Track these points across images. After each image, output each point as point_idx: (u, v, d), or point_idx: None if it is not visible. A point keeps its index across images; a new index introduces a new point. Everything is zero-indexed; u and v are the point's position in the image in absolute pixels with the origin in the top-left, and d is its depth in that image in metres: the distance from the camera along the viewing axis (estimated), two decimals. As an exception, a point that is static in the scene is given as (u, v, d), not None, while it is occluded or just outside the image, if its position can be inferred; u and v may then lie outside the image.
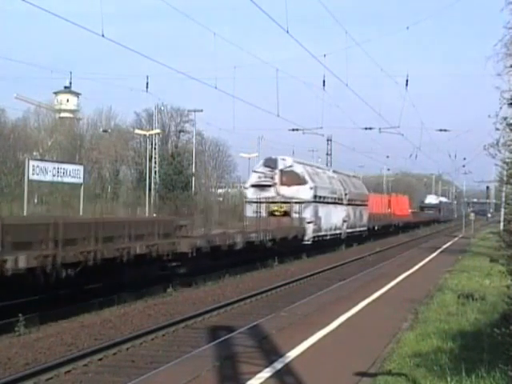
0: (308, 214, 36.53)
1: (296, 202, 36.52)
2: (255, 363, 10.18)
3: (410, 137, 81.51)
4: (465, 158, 72.43)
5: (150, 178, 55.56)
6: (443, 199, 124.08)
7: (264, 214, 34.85)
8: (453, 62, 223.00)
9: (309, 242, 36.24)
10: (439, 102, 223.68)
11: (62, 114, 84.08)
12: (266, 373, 9.59)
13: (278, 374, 9.55)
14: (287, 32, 22.26)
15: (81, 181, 23.54)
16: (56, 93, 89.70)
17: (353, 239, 46.37)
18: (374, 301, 17.74)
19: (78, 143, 70.36)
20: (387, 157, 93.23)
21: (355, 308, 16.15)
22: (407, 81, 38.00)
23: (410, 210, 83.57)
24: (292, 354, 10.91)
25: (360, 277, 24.96)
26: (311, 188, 37.20)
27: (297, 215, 36.19)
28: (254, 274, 27.19)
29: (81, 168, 24.23)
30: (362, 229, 49.78)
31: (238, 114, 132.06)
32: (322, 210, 38.62)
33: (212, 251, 24.57)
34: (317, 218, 37.48)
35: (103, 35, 18.66)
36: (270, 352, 11.09)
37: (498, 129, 7.47)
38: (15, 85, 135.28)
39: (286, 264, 31.42)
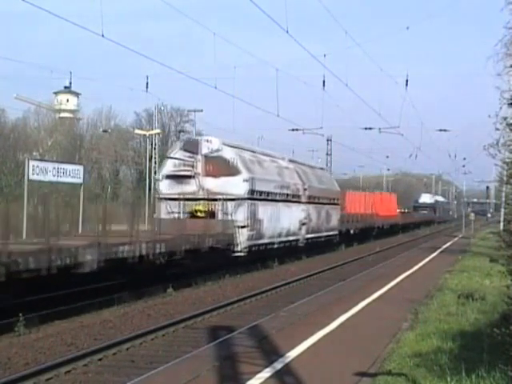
0: (241, 215, 27.31)
1: (225, 199, 27.50)
2: (255, 363, 10.18)
3: (410, 137, 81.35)
4: (465, 158, 72.73)
5: (149, 178, 55.56)
6: (439, 198, 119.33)
7: (184, 215, 27.34)
8: (453, 62, 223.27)
9: (242, 254, 27.09)
10: (439, 101, 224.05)
11: (62, 114, 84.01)
12: (266, 373, 9.59)
13: (277, 374, 9.55)
14: (287, 32, 22.32)
15: (81, 181, 23.49)
16: (56, 93, 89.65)
17: (317, 247, 37.67)
18: (374, 301, 17.74)
19: (78, 143, 70.40)
20: (387, 157, 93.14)
21: (355, 308, 16.15)
22: (407, 81, 38.24)
23: (398, 210, 75.42)
24: (292, 354, 10.91)
25: (360, 277, 24.97)
26: (246, 180, 27.83)
27: (226, 216, 27.30)
28: (253, 274, 27.19)
29: (81, 168, 24.17)
30: (330, 233, 40.23)
31: (237, 113, 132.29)
32: (265, 210, 29.31)
33: (19, 280, 14.77)
34: (255, 221, 28.22)
35: (103, 35, 18.68)
36: (269, 352, 11.09)
37: (497, 129, 7.49)
38: (15, 85, 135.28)
39: (286, 264, 31.40)
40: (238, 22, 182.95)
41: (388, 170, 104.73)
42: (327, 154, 72.54)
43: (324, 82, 35.83)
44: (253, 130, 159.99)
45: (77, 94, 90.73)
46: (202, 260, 23.99)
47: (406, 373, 9.24)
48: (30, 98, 74.58)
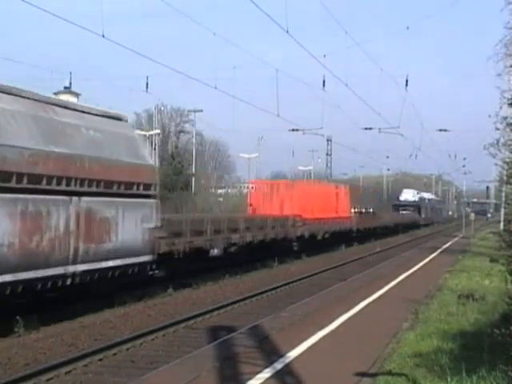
0: None
1: None
2: (255, 363, 10.18)
3: (410, 137, 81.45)
4: (465, 158, 72.90)
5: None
6: (426, 195, 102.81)
7: None
8: (453, 62, 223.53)
9: None
10: (439, 102, 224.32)
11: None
12: (266, 373, 9.59)
13: (278, 375, 9.55)
14: (287, 32, 22.25)
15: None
16: (56, 93, 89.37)
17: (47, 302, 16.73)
18: (374, 301, 17.74)
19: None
20: (387, 157, 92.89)
21: (355, 308, 16.15)
22: (407, 81, 38.19)
23: (353, 210, 49.44)
24: (292, 354, 10.91)
25: (360, 277, 24.95)
26: None
27: None
28: (254, 274, 27.15)
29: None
30: (111, 264, 17.15)
31: (237, 114, 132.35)
32: None
33: None
34: None
35: (103, 35, 18.62)
36: (270, 352, 11.09)
37: (498, 128, 7.50)
38: (15, 85, 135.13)
39: (286, 264, 31.38)
40: (238, 22, 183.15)
41: (388, 169, 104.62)
42: (327, 154, 72.69)
43: (324, 82, 35.72)
44: (253, 130, 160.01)
45: (77, 95, 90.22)
46: None
47: (406, 373, 9.24)
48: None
